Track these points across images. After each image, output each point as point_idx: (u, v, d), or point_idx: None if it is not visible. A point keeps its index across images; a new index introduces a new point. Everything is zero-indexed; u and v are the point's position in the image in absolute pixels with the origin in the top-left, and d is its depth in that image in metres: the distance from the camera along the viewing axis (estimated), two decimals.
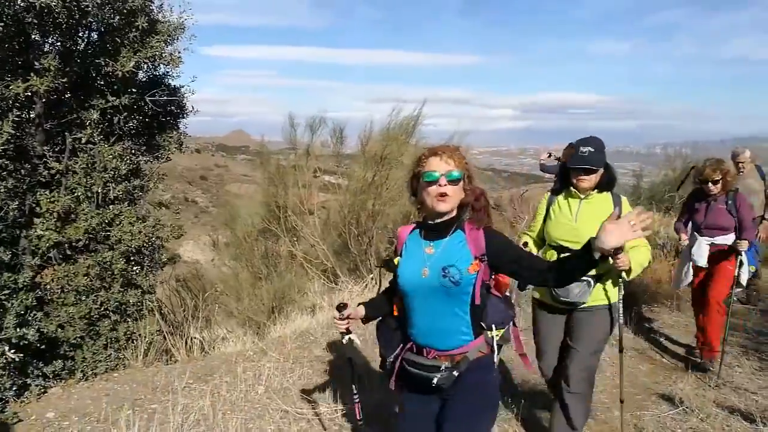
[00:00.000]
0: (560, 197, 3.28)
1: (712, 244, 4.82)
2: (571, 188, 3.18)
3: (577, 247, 3.03)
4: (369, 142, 9.07)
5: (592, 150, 3.00)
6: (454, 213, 2.14)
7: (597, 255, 1.82)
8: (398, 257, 2.27)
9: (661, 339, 5.71)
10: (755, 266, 4.95)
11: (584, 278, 3.02)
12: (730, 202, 4.71)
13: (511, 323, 2.27)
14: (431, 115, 9.02)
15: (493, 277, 2.19)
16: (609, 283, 3.12)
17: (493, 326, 2.15)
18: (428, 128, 9.04)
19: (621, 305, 3.22)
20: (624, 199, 3.13)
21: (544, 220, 3.33)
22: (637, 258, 2.96)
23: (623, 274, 2.98)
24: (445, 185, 2.06)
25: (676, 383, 4.60)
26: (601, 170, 3.06)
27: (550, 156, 8.95)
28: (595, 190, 3.13)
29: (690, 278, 5.03)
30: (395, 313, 2.34)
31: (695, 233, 4.96)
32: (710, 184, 4.70)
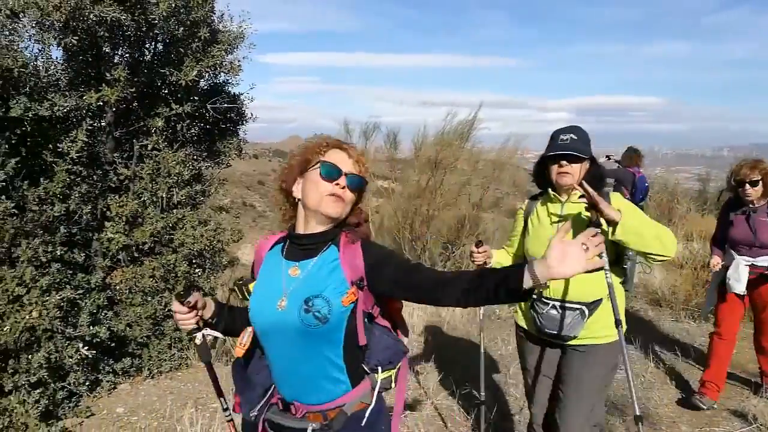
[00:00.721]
0: (539, 204, 2.68)
1: (752, 266, 3.97)
2: (550, 192, 2.58)
3: None
4: (423, 147, 9.06)
5: (575, 138, 2.44)
6: (329, 227, 1.63)
7: (528, 284, 1.30)
8: (254, 281, 1.71)
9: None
10: None
11: (577, 306, 2.45)
12: None
13: (402, 362, 1.70)
14: (485, 119, 8.95)
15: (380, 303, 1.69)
16: (609, 313, 2.46)
17: (379, 368, 1.62)
18: (483, 132, 8.94)
19: (624, 344, 2.51)
20: (616, 195, 2.44)
21: (523, 234, 2.75)
22: (641, 221, 2.31)
23: (606, 226, 2.29)
24: (344, 187, 1.59)
25: (749, 399, 4.34)
26: (587, 164, 2.48)
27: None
28: None
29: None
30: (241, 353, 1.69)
31: (731, 251, 4.09)
32: (747, 187, 3.86)
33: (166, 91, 5.06)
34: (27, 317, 3.67)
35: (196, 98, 5.05)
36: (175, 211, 4.95)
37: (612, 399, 4.10)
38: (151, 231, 4.68)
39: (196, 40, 4.75)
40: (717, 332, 4.23)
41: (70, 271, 4.28)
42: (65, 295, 3.97)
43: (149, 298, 4.80)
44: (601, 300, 2.47)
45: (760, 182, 3.84)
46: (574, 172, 2.45)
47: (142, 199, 4.74)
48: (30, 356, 3.75)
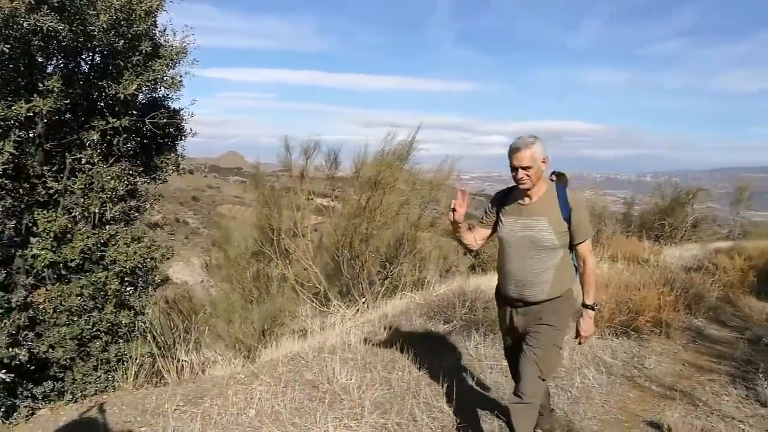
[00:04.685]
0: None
1: None
2: None
3: None
4: (363, 167, 9.17)
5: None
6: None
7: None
8: None
9: (650, 366, 5.75)
10: None
11: None
12: None
13: None
14: (426, 141, 9.16)
15: None
16: None
17: None
18: (421, 153, 9.16)
19: None
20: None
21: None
22: None
23: None
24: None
25: (664, 411, 4.63)
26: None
27: None
28: None
29: None
30: None
31: None
32: None
33: (103, 104, 4.93)
34: None
35: (134, 112, 4.95)
36: (107, 227, 4.80)
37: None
38: (81, 247, 4.52)
39: (137, 53, 4.68)
40: None
41: None
42: None
43: (75, 318, 4.60)
44: None
45: None
46: None
47: (72, 214, 4.58)
48: None
